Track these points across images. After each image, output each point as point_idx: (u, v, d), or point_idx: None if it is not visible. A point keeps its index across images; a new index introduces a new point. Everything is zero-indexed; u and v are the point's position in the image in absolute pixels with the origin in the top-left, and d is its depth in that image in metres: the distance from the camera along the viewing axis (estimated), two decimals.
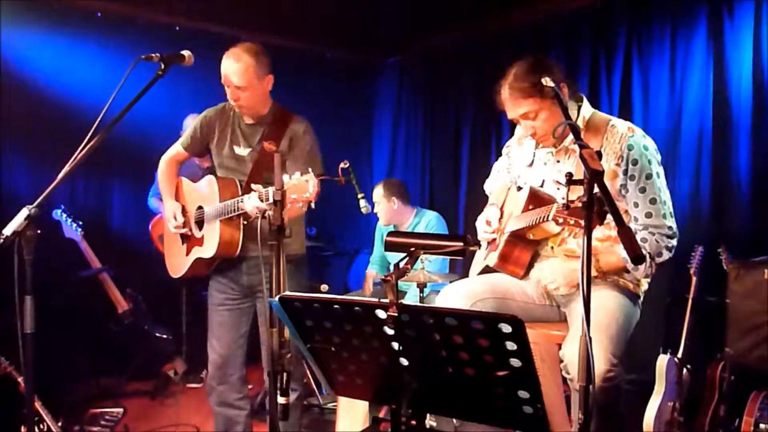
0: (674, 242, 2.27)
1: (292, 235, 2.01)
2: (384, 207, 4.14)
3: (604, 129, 2.30)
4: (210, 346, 2.90)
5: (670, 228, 2.25)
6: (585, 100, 2.40)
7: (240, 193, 2.68)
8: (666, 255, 2.27)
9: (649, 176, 2.23)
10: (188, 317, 4.42)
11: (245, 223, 2.66)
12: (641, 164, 2.22)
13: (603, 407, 2.01)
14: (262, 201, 2.27)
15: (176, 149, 2.97)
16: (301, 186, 2.07)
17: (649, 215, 2.23)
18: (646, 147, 2.26)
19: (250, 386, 3.07)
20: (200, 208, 2.84)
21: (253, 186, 2.35)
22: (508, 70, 2.32)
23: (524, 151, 2.58)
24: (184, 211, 2.91)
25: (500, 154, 2.83)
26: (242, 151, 2.80)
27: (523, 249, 2.43)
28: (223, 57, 2.67)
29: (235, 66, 2.62)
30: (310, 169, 2.11)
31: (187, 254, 2.91)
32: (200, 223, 2.84)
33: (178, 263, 2.97)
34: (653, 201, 2.23)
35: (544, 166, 2.47)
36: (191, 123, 4.38)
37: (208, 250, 2.74)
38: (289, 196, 2.06)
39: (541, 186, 2.46)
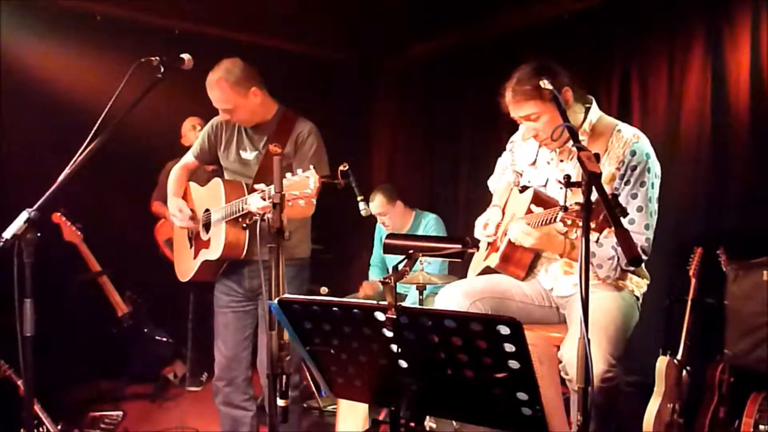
0: (643, 257, 2.21)
1: (291, 237, 2.01)
2: (390, 213, 4.09)
3: (610, 133, 2.30)
4: (216, 348, 2.91)
5: (647, 240, 2.22)
6: (594, 103, 2.39)
7: (246, 195, 2.68)
8: (630, 266, 2.24)
9: (643, 184, 2.22)
10: (191, 321, 4.41)
11: (245, 226, 2.65)
12: (639, 171, 2.21)
13: (602, 408, 2.01)
14: (265, 200, 2.28)
15: (188, 158, 3.01)
16: (302, 182, 2.07)
17: (632, 221, 2.21)
18: (648, 155, 2.25)
19: None
20: (207, 210, 2.85)
21: (256, 186, 2.35)
22: (513, 73, 2.32)
23: (527, 149, 2.58)
24: (194, 216, 2.91)
25: (501, 156, 2.83)
26: (248, 155, 2.82)
27: (525, 250, 2.42)
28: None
29: (214, 93, 2.68)
30: (311, 166, 2.12)
31: (195, 257, 2.91)
32: (208, 226, 2.84)
33: (186, 267, 2.98)
34: (640, 209, 2.21)
35: (548, 165, 2.47)
36: (188, 127, 4.40)
37: (214, 251, 2.74)
38: (291, 193, 2.06)
39: (545, 186, 2.46)
